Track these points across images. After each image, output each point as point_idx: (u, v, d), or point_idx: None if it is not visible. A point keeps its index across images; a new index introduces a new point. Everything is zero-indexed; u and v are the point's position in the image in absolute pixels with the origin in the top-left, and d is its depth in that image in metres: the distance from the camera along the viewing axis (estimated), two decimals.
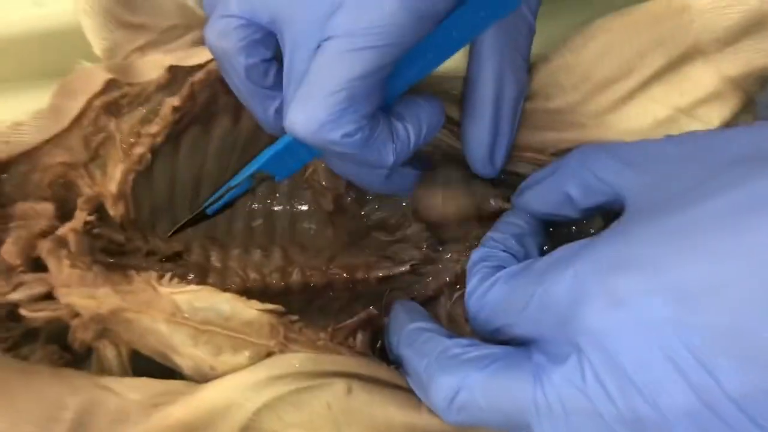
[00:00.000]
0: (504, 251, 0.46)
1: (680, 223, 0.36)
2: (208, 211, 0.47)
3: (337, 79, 0.40)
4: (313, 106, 0.40)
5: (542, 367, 0.38)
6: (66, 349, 0.49)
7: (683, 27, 0.45)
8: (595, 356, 0.36)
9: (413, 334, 0.44)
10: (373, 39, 0.39)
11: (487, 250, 0.46)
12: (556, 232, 0.51)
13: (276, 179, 0.46)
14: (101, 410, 0.45)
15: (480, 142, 0.48)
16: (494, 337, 0.43)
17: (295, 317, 0.44)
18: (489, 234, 0.48)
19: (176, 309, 0.44)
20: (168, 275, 0.45)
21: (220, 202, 0.47)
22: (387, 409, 0.43)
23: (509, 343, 0.42)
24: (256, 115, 0.46)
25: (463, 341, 0.42)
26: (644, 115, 0.47)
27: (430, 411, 0.43)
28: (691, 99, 0.46)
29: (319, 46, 0.41)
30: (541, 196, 0.47)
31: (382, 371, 0.45)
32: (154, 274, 0.45)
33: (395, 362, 0.45)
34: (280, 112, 0.45)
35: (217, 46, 0.44)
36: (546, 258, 0.42)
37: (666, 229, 0.37)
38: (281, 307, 0.44)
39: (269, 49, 0.44)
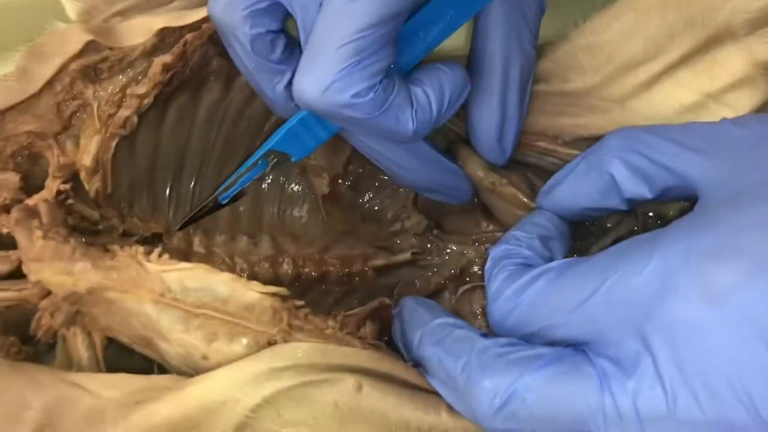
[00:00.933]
0: (528, 250, 0.42)
1: None
2: (221, 198, 0.43)
3: (343, 32, 0.36)
4: (318, 67, 0.37)
5: (609, 372, 0.34)
6: (26, 342, 0.43)
7: (715, 7, 0.43)
8: (685, 355, 0.32)
9: (439, 331, 0.39)
10: None
11: (509, 247, 0.42)
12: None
13: (292, 159, 0.42)
14: (71, 409, 0.40)
15: (488, 122, 0.44)
16: (523, 338, 0.39)
17: (300, 302, 0.40)
18: (511, 232, 0.43)
19: (166, 289, 0.39)
20: (157, 250, 0.40)
21: (233, 189, 0.43)
22: (401, 409, 0.39)
23: (544, 345, 0.38)
24: (264, 94, 0.42)
25: (502, 340, 0.38)
26: (670, 101, 0.45)
27: (451, 413, 0.39)
28: (721, 84, 0.44)
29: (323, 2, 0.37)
30: (577, 187, 0.43)
31: (397, 368, 0.40)
32: (141, 249, 0.40)
33: (414, 362, 0.41)
34: (289, 89, 0.41)
35: (222, 18, 0.40)
36: (606, 252, 0.38)
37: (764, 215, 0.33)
38: (285, 289, 0.39)
39: (276, 21, 0.40)
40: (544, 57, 0.47)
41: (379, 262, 0.49)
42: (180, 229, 0.45)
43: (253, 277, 0.47)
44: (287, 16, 0.41)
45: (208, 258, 0.47)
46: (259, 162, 0.42)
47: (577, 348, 0.37)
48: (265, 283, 0.46)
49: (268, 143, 0.41)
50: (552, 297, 0.38)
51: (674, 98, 0.45)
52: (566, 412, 0.34)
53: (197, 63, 0.44)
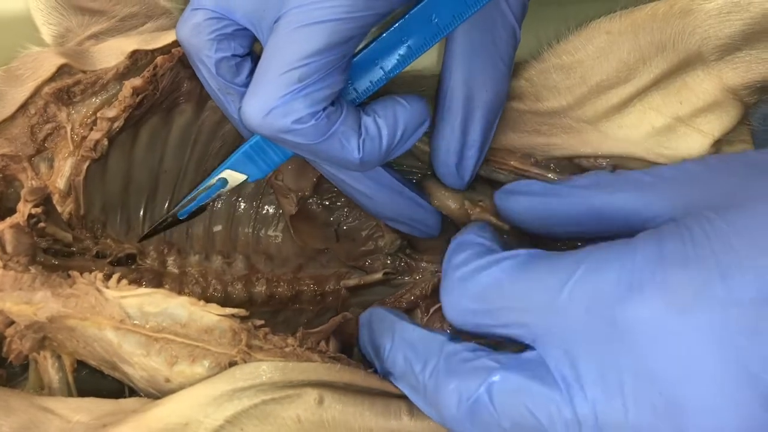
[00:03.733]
0: (491, 242, 0.42)
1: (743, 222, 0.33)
2: (180, 214, 0.44)
3: (288, 58, 0.37)
4: (262, 91, 0.37)
5: (570, 380, 0.35)
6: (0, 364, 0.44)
7: (686, 32, 0.43)
8: (644, 363, 0.33)
9: (410, 335, 0.40)
10: (324, 12, 0.36)
11: (473, 236, 0.42)
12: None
13: (249, 180, 0.43)
14: None
15: (447, 148, 0.44)
16: (473, 319, 0.39)
17: (259, 322, 0.40)
18: (476, 223, 0.44)
19: (125, 316, 0.39)
20: (116, 276, 0.40)
21: (193, 205, 0.44)
22: (363, 417, 0.39)
23: (494, 328, 0.38)
24: (230, 116, 0.43)
25: (470, 345, 0.38)
26: (641, 123, 0.45)
27: (412, 416, 0.40)
28: (691, 108, 0.44)
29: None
30: (538, 213, 0.44)
31: (358, 376, 0.40)
32: (99, 275, 0.40)
33: (384, 369, 0.41)
34: None
35: (188, 41, 0.41)
36: (576, 250, 0.38)
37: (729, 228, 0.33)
38: (243, 310, 0.40)
39: (242, 46, 0.41)
40: (518, 75, 0.47)
41: (352, 281, 0.49)
42: (140, 241, 0.46)
43: (226, 297, 0.48)
44: (254, 40, 0.41)
45: (181, 278, 0.47)
46: (218, 181, 0.43)
47: (537, 351, 0.37)
48: (240, 302, 0.48)
49: (224, 165, 0.43)
50: (517, 280, 0.38)
51: (645, 121, 0.45)
52: (528, 418, 0.35)
53: (168, 86, 0.45)
